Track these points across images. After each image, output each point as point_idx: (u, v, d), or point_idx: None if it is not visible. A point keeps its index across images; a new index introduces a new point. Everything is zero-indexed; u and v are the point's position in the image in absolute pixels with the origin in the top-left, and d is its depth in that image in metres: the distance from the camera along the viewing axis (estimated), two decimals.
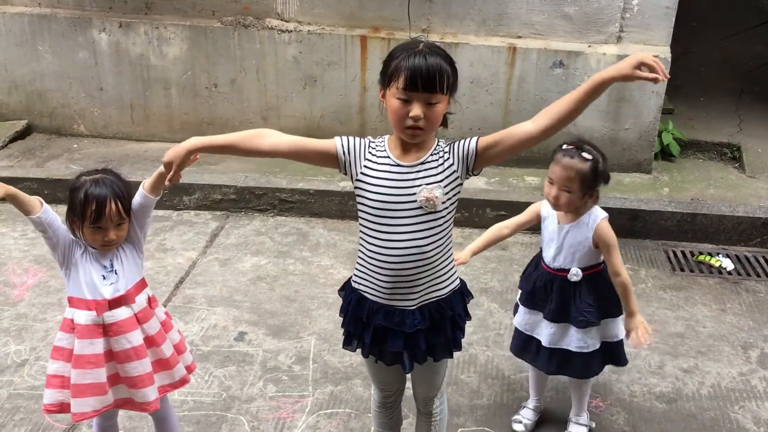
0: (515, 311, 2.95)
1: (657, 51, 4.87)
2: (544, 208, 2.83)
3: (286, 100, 5.29)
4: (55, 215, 2.34)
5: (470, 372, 3.31)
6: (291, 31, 5.12)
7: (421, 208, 2.10)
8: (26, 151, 5.41)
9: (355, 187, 2.16)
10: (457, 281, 2.29)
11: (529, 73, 4.97)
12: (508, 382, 3.25)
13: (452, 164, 2.11)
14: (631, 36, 4.93)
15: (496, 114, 5.12)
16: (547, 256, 2.77)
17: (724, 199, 4.82)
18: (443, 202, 2.11)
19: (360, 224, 2.20)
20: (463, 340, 2.34)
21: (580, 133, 5.03)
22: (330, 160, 2.17)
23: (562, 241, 2.71)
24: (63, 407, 2.40)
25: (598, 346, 2.75)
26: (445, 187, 2.10)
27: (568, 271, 2.71)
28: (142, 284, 2.46)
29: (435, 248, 2.15)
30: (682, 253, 4.45)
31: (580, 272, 2.70)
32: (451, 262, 2.25)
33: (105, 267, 2.37)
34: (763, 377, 3.33)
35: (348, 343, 2.34)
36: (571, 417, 2.98)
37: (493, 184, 5.00)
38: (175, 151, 2.16)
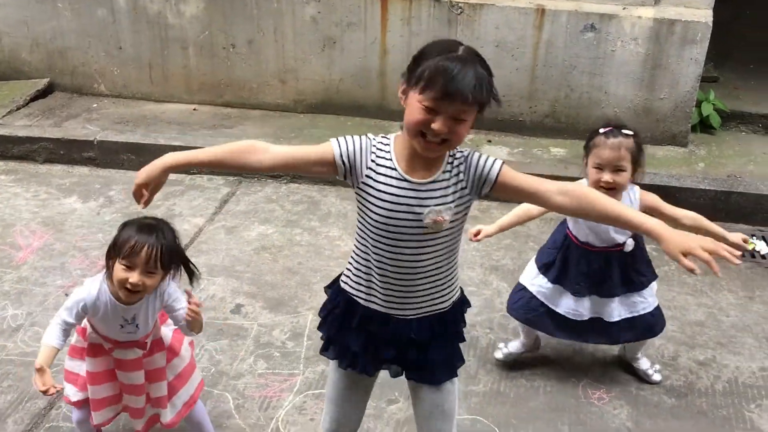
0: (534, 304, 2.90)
1: (697, 15, 4.53)
2: None
3: (304, 62, 5.12)
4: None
5: (469, 356, 3.15)
6: None
7: (426, 227, 1.88)
8: (46, 110, 5.39)
9: (356, 193, 1.93)
10: (459, 291, 2.09)
11: (558, 37, 4.68)
12: (507, 369, 3.09)
13: (465, 187, 1.88)
14: None
15: (523, 80, 4.85)
16: (594, 240, 2.75)
17: (764, 177, 4.50)
18: (451, 222, 1.89)
19: (357, 227, 1.99)
20: (470, 307, 2.19)
21: (612, 102, 4.79)
22: (327, 167, 1.89)
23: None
24: (84, 402, 2.46)
25: (657, 301, 2.88)
26: (454, 208, 1.88)
27: (622, 244, 2.73)
28: (156, 327, 2.42)
29: (440, 265, 1.95)
30: None
31: (632, 241, 2.74)
32: (455, 274, 2.05)
33: (126, 320, 2.30)
34: None
35: (326, 349, 2.14)
36: (629, 357, 3.05)
37: (516, 155, 4.77)
38: (149, 170, 1.91)
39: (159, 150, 4.77)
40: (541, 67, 4.80)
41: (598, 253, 2.75)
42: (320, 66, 5.10)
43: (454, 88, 1.69)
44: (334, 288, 2.12)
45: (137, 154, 4.71)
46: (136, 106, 5.47)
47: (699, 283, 3.71)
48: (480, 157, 1.88)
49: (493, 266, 3.82)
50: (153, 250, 2.17)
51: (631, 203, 2.69)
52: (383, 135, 1.93)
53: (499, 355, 3.06)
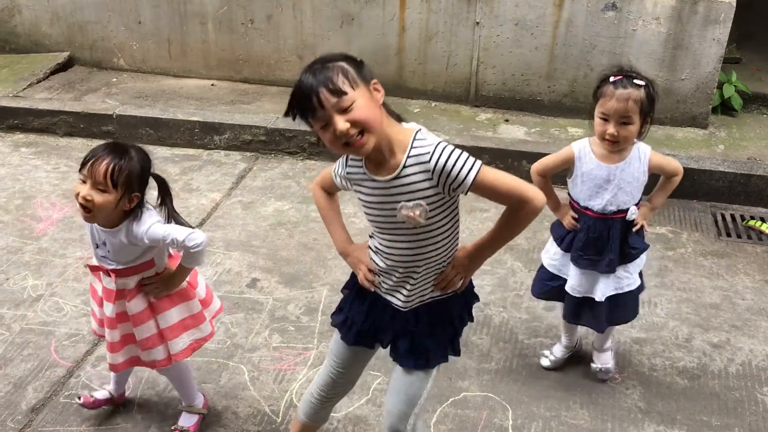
0: (541, 280, 2.81)
1: None
2: (577, 151, 2.60)
3: (323, 38, 5.11)
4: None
5: (482, 334, 3.18)
6: None
7: (404, 222, 1.89)
8: (66, 84, 5.43)
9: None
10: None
11: (578, 15, 4.63)
12: (520, 347, 3.11)
13: (435, 185, 1.82)
14: None
15: (541, 59, 4.81)
16: (597, 204, 2.58)
17: None
18: (435, 217, 1.88)
19: None
20: (479, 302, 2.22)
21: None
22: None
23: (618, 182, 2.55)
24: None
25: (639, 281, 2.73)
26: (427, 205, 1.85)
27: (625, 211, 2.59)
28: (134, 270, 2.34)
29: (429, 255, 1.97)
30: (732, 216, 4.15)
31: (636, 209, 2.61)
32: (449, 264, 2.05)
33: (96, 245, 2.34)
34: None
35: (339, 317, 2.23)
36: (596, 346, 2.93)
37: (533, 135, 4.74)
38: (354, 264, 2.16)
39: (177, 125, 4.83)
40: (560, 46, 4.75)
41: (597, 219, 2.59)
42: (338, 42, 5.09)
43: (312, 93, 1.71)
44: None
45: (155, 129, 4.74)
46: (155, 81, 5.50)
47: (715, 266, 3.69)
48: (455, 160, 1.78)
49: (508, 245, 3.74)
50: (107, 167, 2.11)
51: (639, 161, 2.54)
52: None
53: (546, 363, 2.98)
